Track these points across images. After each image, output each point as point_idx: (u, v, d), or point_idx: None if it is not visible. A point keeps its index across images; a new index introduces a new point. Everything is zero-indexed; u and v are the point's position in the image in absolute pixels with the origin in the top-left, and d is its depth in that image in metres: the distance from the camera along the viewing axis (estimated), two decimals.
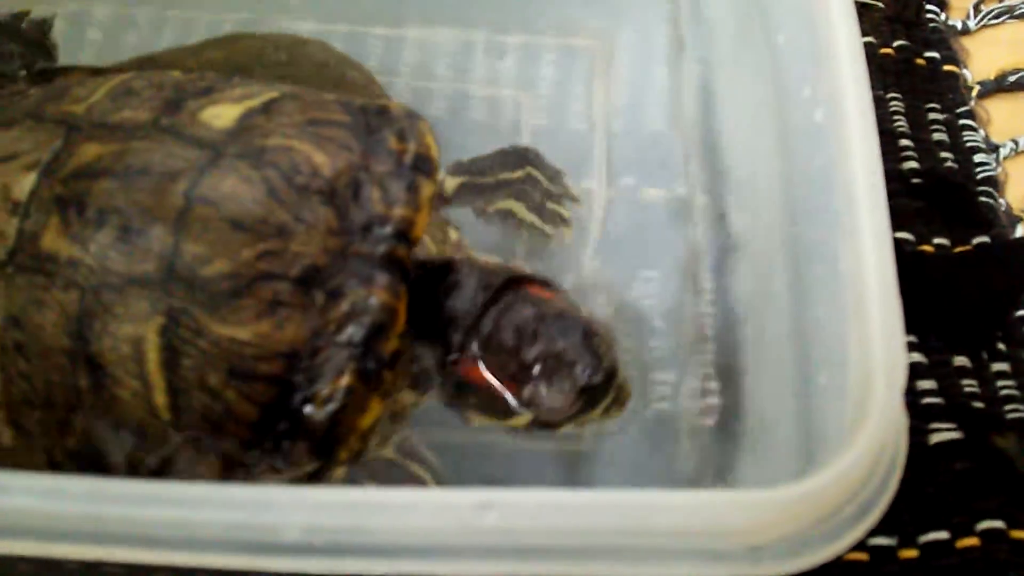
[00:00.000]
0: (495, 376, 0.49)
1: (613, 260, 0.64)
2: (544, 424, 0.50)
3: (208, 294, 0.45)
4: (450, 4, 0.77)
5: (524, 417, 0.49)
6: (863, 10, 0.79)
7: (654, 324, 0.60)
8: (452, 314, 0.50)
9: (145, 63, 0.60)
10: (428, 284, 0.50)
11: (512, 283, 0.51)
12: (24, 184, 0.48)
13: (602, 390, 0.49)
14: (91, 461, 0.47)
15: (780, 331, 0.52)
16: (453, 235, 0.56)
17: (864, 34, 0.77)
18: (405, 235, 0.48)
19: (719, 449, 0.55)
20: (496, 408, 0.50)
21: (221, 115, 0.49)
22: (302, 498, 0.38)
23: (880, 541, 0.54)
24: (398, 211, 0.48)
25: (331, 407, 0.45)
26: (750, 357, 0.56)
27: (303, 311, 0.46)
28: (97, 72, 0.57)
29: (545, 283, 0.52)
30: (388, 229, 0.48)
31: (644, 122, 0.71)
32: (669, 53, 0.75)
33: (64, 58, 0.66)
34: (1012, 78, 0.75)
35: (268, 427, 0.45)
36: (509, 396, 0.49)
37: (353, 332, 0.46)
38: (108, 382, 0.45)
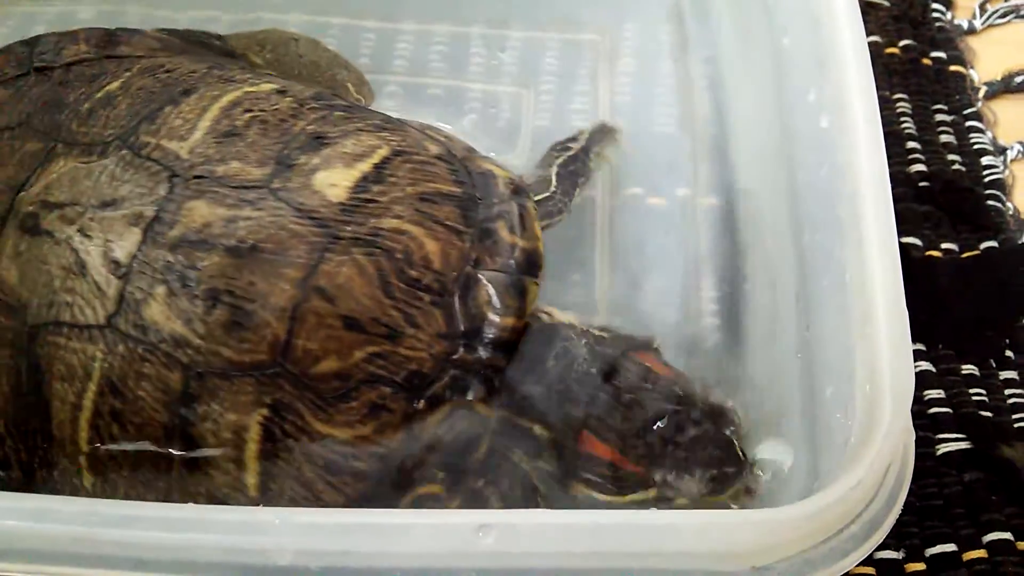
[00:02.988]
0: (620, 453, 0.47)
1: (619, 266, 0.63)
2: (663, 500, 0.48)
3: (316, 392, 0.44)
4: (447, 0, 0.76)
5: (648, 494, 0.48)
6: (868, 9, 0.78)
7: (659, 332, 0.59)
8: (567, 388, 0.48)
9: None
10: (533, 354, 0.49)
11: (626, 352, 0.49)
12: (127, 243, 0.46)
13: (735, 478, 0.47)
14: None
15: (787, 342, 0.51)
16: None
17: (869, 33, 0.76)
18: (507, 343, 0.48)
19: None
20: (617, 484, 0.48)
21: (336, 183, 0.47)
22: (296, 521, 0.38)
23: (887, 555, 0.53)
24: (502, 319, 0.47)
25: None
26: (756, 368, 0.55)
27: (403, 417, 0.45)
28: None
29: (655, 353, 0.50)
30: (490, 336, 0.47)
31: (650, 122, 0.70)
32: (674, 51, 0.74)
33: None
34: (1019, 79, 0.74)
35: None
36: (634, 473, 0.47)
37: (449, 446, 0.46)
38: (201, 461, 0.44)
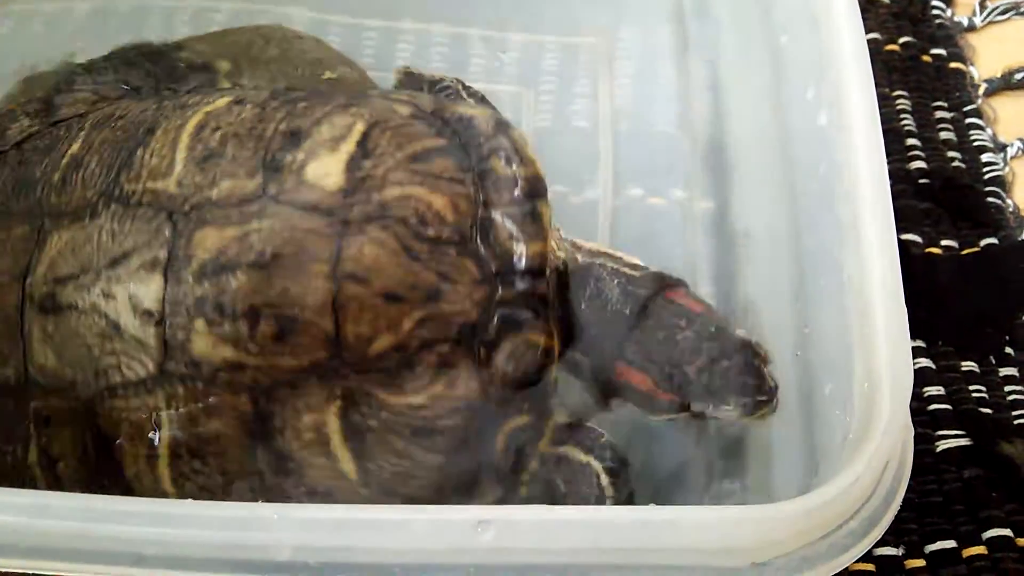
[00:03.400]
0: (657, 384, 0.50)
1: None
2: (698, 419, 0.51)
3: (380, 371, 0.45)
4: (448, 1, 0.76)
5: (682, 416, 0.50)
6: (868, 6, 0.78)
7: None
8: (603, 323, 0.50)
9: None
10: (566, 291, 0.51)
11: (659, 291, 0.51)
12: (152, 291, 0.46)
13: (766, 404, 0.49)
14: None
15: (786, 339, 0.51)
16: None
17: (869, 30, 0.76)
18: (540, 269, 0.48)
19: (726, 458, 0.54)
20: (653, 408, 0.51)
21: (327, 171, 0.47)
22: (295, 516, 0.38)
23: (886, 551, 0.53)
24: (528, 248, 0.48)
25: (514, 445, 0.47)
26: None
27: (468, 367, 0.46)
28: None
29: (685, 289, 0.52)
30: (523, 267, 0.48)
31: (651, 123, 0.70)
32: (674, 52, 0.74)
33: (48, 55, 0.65)
34: (1019, 76, 0.74)
35: (454, 469, 0.46)
36: (671, 401, 0.50)
37: (521, 378, 0.47)
38: (292, 466, 0.45)
